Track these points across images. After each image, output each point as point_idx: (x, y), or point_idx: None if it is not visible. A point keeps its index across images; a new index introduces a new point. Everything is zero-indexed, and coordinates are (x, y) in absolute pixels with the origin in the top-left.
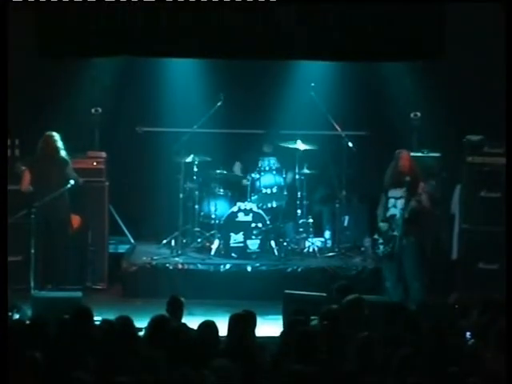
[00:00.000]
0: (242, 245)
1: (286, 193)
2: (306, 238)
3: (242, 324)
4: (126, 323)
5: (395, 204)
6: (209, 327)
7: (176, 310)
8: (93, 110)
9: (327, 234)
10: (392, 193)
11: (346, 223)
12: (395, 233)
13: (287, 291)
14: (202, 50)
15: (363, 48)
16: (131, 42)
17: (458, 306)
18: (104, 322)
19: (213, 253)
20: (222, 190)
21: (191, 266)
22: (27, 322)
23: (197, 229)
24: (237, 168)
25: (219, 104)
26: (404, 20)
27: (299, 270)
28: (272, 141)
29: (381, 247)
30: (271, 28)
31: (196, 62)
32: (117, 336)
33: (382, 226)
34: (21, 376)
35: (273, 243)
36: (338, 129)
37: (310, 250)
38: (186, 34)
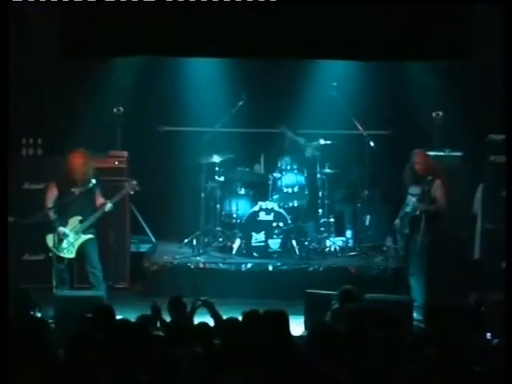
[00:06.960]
0: (263, 244)
1: (307, 192)
2: (327, 238)
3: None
4: (147, 322)
5: (411, 201)
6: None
7: (176, 310)
8: (115, 110)
9: (349, 233)
10: (411, 190)
11: (367, 222)
12: (407, 230)
13: (309, 290)
14: (224, 49)
15: (387, 47)
16: (153, 41)
17: (480, 306)
18: (125, 321)
19: (234, 252)
20: (243, 190)
21: (213, 266)
22: (50, 321)
23: (218, 228)
24: (258, 167)
25: (241, 103)
26: (430, 20)
27: (320, 269)
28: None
29: (395, 244)
30: (294, 27)
31: (218, 62)
32: (138, 335)
33: (396, 223)
34: (41, 375)
35: (294, 242)
36: (360, 128)
37: (332, 249)
38: (207, 34)
